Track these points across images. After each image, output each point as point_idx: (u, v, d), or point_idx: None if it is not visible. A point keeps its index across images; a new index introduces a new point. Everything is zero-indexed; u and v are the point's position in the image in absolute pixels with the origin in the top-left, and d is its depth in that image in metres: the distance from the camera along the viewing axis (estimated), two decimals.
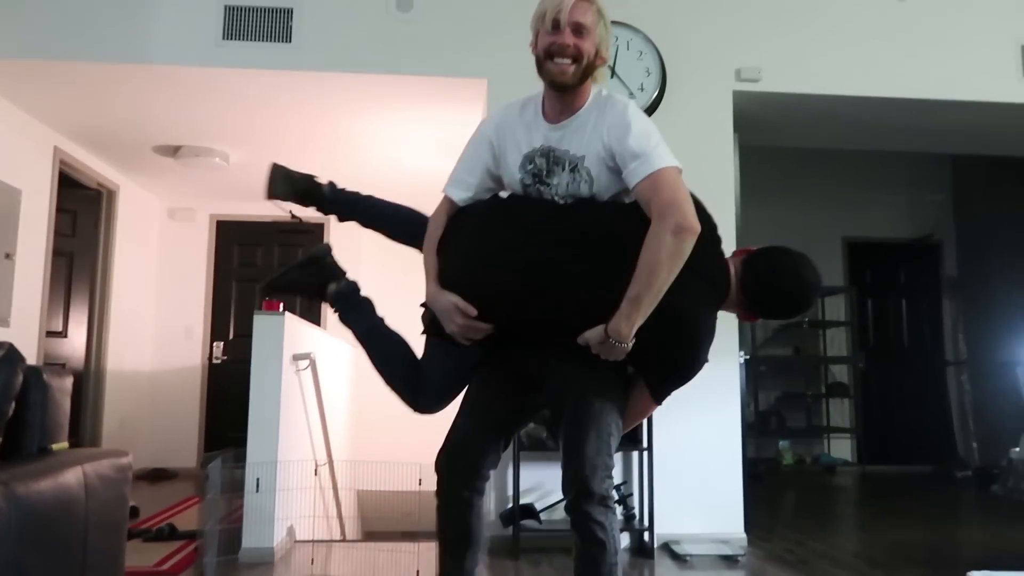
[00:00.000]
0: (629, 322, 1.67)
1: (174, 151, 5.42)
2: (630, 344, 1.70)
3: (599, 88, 1.89)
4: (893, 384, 7.41)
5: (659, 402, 1.92)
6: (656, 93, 3.99)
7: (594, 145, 1.81)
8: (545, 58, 1.81)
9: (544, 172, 1.85)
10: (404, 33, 3.95)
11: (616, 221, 1.80)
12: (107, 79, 4.09)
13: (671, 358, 1.82)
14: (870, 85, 4.19)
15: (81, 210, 5.71)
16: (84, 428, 5.55)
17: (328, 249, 2.29)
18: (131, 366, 6.34)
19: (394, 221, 2.26)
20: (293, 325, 3.84)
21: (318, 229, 7.03)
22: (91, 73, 4.00)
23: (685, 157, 3.82)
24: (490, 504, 3.70)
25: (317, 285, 2.22)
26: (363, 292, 2.19)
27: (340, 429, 5.37)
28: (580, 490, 1.75)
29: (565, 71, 1.79)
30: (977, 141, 5.21)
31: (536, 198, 1.88)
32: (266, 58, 3.90)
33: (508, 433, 1.99)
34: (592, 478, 1.76)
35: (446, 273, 1.86)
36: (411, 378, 2.02)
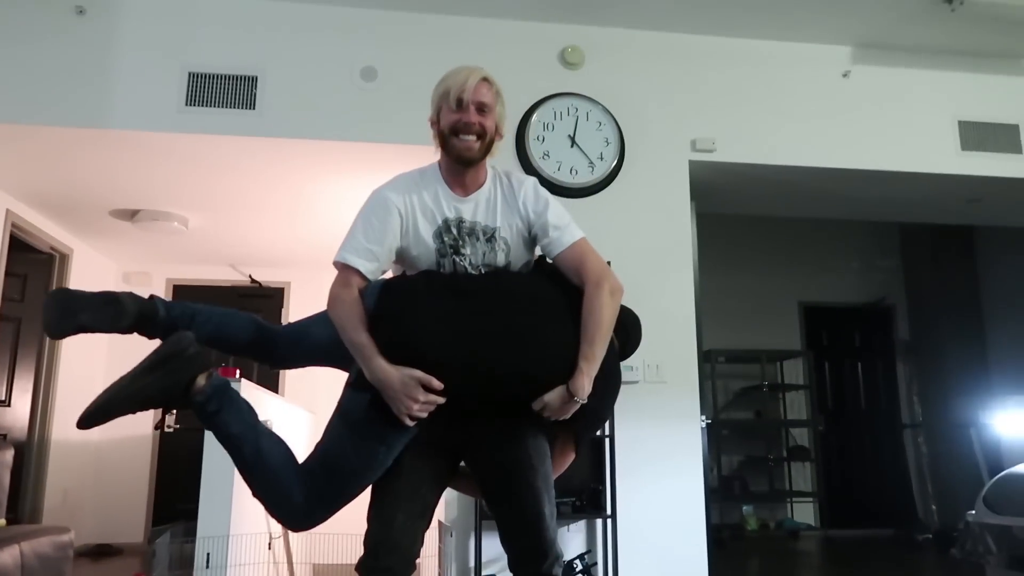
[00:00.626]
0: (589, 379, 1.75)
1: (132, 215, 5.35)
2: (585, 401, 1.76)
3: (491, 163, 2.01)
4: (853, 447, 7.48)
5: (579, 452, 1.97)
6: (615, 162, 4.09)
7: (509, 217, 1.93)
8: (451, 135, 1.90)
9: (460, 242, 1.90)
10: (367, 102, 4.01)
11: (546, 287, 1.88)
12: (65, 142, 4.05)
13: (601, 408, 1.89)
14: (818, 156, 4.36)
15: (32, 274, 5.56)
16: (24, 502, 5.29)
17: (190, 338, 1.90)
18: (77, 436, 6.10)
19: (240, 329, 2.10)
20: (250, 392, 3.75)
21: (278, 293, 6.96)
22: (48, 136, 3.96)
23: (644, 223, 3.93)
24: (451, 575, 3.59)
25: (180, 387, 1.87)
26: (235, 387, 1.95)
27: None
28: (548, 562, 1.78)
29: (471, 147, 1.89)
30: (921, 210, 5.42)
31: (462, 272, 1.89)
32: (229, 124, 3.91)
33: (432, 514, 1.89)
34: (554, 547, 1.79)
35: (394, 350, 1.73)
36: (294, 487, 1.83)
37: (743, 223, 6.94)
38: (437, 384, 1.70)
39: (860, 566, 5.57)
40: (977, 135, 4.52)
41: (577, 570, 3.51)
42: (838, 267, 7.67)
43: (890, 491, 7.30)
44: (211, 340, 2.03)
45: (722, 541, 5.73)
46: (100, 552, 5.82)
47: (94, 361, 6.46)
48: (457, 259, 1.89)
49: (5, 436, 5.13)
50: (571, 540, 3.72)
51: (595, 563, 3.67)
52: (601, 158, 4.08)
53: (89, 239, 5.99)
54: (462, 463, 1.95)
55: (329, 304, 1.83)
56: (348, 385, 1.85)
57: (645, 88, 4.27)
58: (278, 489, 1.84)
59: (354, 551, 3.77)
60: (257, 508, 4.06)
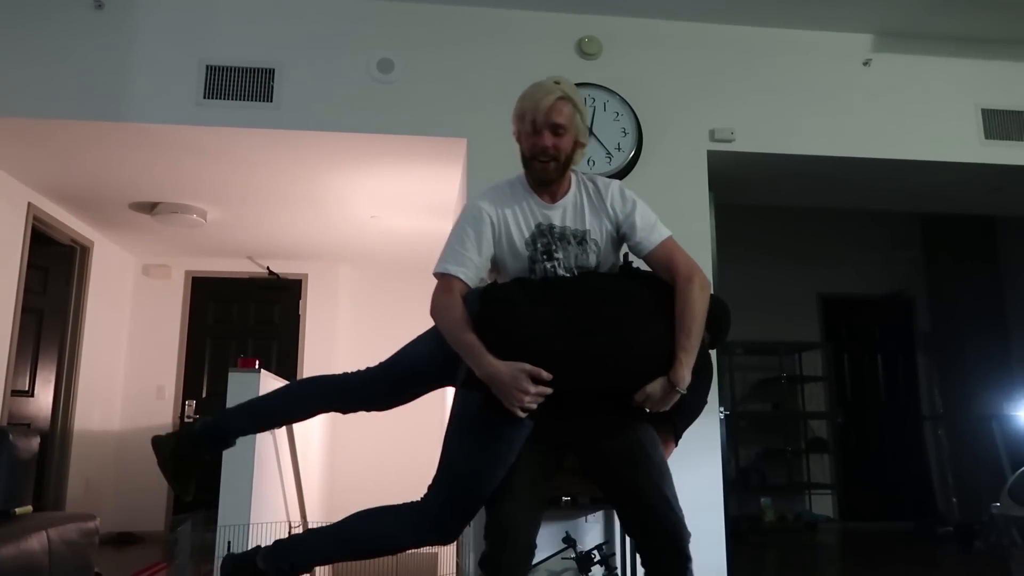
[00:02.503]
0: (688, 369, 1.84)
1: (151, 208, 5.40)
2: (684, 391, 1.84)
3: (573, 170, 2.08)
4: (872, 439, 7.43)
5: (676, 444, 2.06)
6: (633, 153, 4.07)
7: (598, 219, 2.02)
8: (530, 158, 1.98)
9: (552, 247, 1.97)
10: (385, 94, 4.01)
11: (636, 285, 1.97)
12: (85, 136, 4.08)
13: (696, 400, 1.98)
14: (839, 146, 4.31)
15: (53, 267, 5.63)
16: (48, 491, 5.37)
17: (226, 561, 2.10)
18: (99, 426, 6.19)
19: (310, 403, 2.17)
20: (269, 382, 3.78)
21: (295, 285, 7.00)
22: (68, 130, 3.99)
23: (662, 214, 3.89)
24: (469, 564, 3.61)
25: None
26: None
27: (314, 488, 5.24)
28: (685, 541, 1.82)
29: (547, 169, 1.97)
30: (944, 200, 5.35)
31: (552, 275, 1.97)
32: (247, 117, 3.93)
33: (544, 507, 1.98)
34: (685, 527, 1.84)
35: (501, 345, 1.81)
36: (401, 530, 1.97)
37: (761, 214, 6.88)
38: (545, 375, 1.76)
39: (881, 559, 5.53)
40: (1001, 123, 4.45)
41: (595, 561, 3.51)
42: (857, 258, 7.59)
43: (910, 484, 7.24)
44: (285, 423, 2.21)
45: (740, 533, 5.71)
46: (122, 540, 5.90)
47: (116, 352, 6.53)
48: (549, 264, 1.97)
49: (29, 425, 5.20)
50: (589, 531, 3.72)
51: (613, 554, 3.67)
52: (619, 148, 4.06)
53: (109, 232, 6.05)
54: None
55: (433, 311, 1.92)
56: (458, 388, 1.94)
57: (663, 78, 4.24)
58: (393, 540, 1.99)
59: None
60: (277, 497, 4.10)
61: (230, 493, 3.35)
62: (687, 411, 1.97)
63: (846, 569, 5.43)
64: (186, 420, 6.70)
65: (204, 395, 6.78)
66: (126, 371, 6.70)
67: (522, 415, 1.77)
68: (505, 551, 1.83)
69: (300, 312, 6.99)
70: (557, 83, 1.98)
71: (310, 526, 4.43)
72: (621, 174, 4.05)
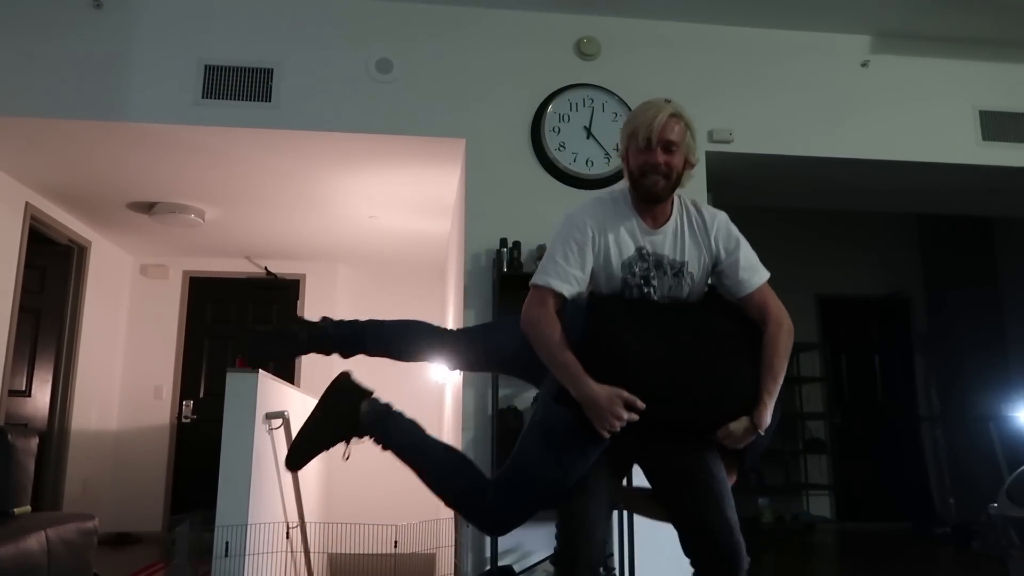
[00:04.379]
0: (769, 412, 1.87)
1: (149, 208, 5.39)
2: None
3: (678, 193, 2.03)
4: (869, 440, 7.43)
5: (739, 481, 2.05)
6: None
7: (697, 251, 1.99)
8: (639, 175, 1.94)
9: (649, 274, 1.96)
10: (383, 94, 4.01)
11: (729, 324, 1.98)
12: (83, 136, 4.08)
13: (766, 440, 1.96)
14: (837, 147, 4.32)
15: (51, 266, 5.62)
16: (45, 490, 5.36)
17: (346, 377, 2.22)
18: (96, 426, 6.17)
19: (414, 338, 2.27)
20: (267, 383, 3.78)
21: (293, 285, 7.00)
22: (66, 129, 3.99)
23: None
24: (467, 566, 3.61)
25: (350, 423, 2.12)
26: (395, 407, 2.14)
27: (312, 490, 5.24)
28: (743, 569, 1.86)
29: (657, 185, 1.92)
30: (941, 201, 5.36)
31: (650, 300, 1.96)
32: (245, 117, 3.93)
33: (612, 508, 2.06)
34: (744, 553, 1.88)
35: (603, 371, 1.82)
36: (481, 490, 1.99)
37: (759, 214, 6.88)
38: (640, 404, 1.79)
39: (879, 560, 5.54)
40: (998, 125, 4.46)
41: None
42: (855, 259, 7.60)
43: (907, 484, 7.25)
44: (386, 351, 2.28)
45: None
46: (119, 540, 5.89)
47: (113, 352, 6.52)
48: (645, 289, 1.96)
49: (26, 425, 5.19)
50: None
51: (611, 554, 3.67)
52: (617, 149, 4.05)
53: (107, 232, 6.04)
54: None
55: (529, 324, 1.91)
56: (549, 401, 1.92)
57: (661, 79, 4.24)
58: (462, 495, 2.01)
59: (370, 541, 3.80)
60: (275, 498, 4.10)
61: (228, 494, 3.35)
62: (757, 449, 1.98)
63: (844, 570, 5.44)
64: (183, 420, 6.69)
65: (202, 395, 6.77)
66: (123, 371, 6.69)
67: (607, 436, 1.82)
68: (584, 547, 1.89)
69: (298, 312, 6.98)
70: (668, 101, 1.96)
71: (308, 527, 4.43)
72: (619, 175, 4.04)
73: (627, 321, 1.89)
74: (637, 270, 1.94)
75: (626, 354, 1.84)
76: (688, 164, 1.98)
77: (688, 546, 1.92)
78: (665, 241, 1.96)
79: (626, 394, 1.78)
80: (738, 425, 1.85)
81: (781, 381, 1.90)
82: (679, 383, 1.84)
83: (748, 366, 1.89)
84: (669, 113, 1.92)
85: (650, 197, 1.94)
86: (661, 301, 1.97)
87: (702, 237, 1.99)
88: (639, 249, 1.95)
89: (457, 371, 2.24)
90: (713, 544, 1.85)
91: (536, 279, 1.93)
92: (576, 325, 1.87)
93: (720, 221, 2.02)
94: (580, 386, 1.81)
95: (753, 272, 2.01)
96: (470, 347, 2.19)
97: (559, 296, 1.90)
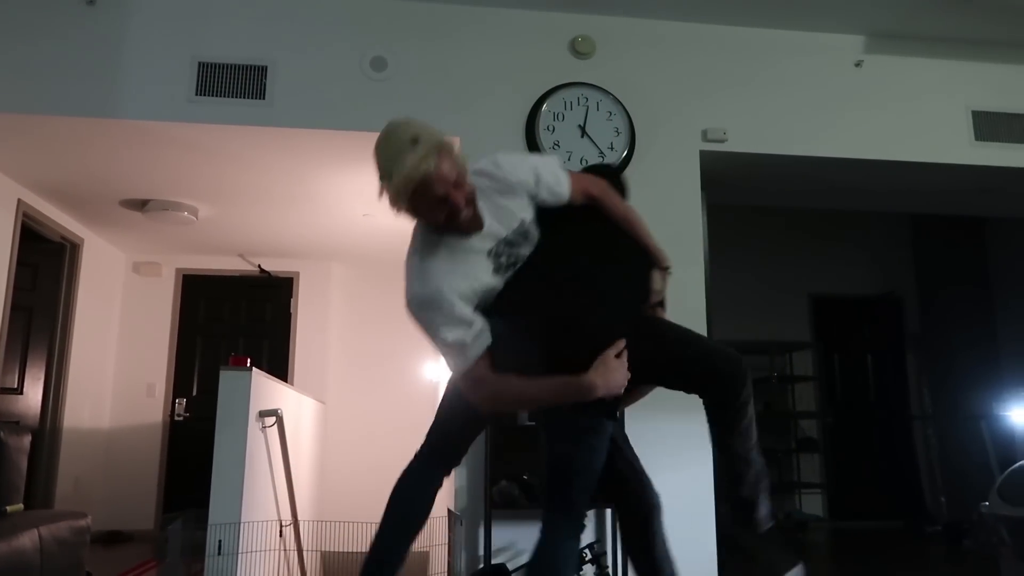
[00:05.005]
0: (661, 251, 2.17)
1: (142, 205, 5.37)
2: None
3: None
4: (861, 439, 7.47)
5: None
6: (625, 152, 4.08)
7: (518, 203, 1.98)
8: (446, 224, 1.84)
9: (513, 256, 1.96)
10: (377, 92, 4.00)
11: (592, 242, 2.09)
12: (75, 132, 4.06)
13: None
14: (830, 146, 4.33)
15: (43, 264, 5.60)
16: (37, 489, 5.34)
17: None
18: (89, 424, 6.15)
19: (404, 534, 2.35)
20: (260, 381, 3.77)
21: (287, 283, 6.98)
22: (59, 126, 3.97)
23: (655, 214, 3.90)
24: (461, 564, 3.61)
25: None
26: None
27: (305, 488, 5.23)
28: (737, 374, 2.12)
29: (469, 215, 1.85)
30: (933, 201, 5.38)
31: (527, 272, 1.98)
32: (239, 114, 3.91)
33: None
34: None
35: (576, 359, 1.84)
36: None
37: (753, 214, 6.91)
38: (621, 344, 1.88)
39: (871, 558, 5.56)
40: (991, 125, 4.48)
41: (586, 559, 3.52)
42: (848, 258, 7.63)
43: (899, 483, 7.28)
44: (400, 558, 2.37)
45: (730, 533, 5.72)
46: (111, 538, 5.87)
47: (105, 350, 6.50)
48: (518, 262, 1.98)
49: (18, 423, 5.17)
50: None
51: (604, 552, 3.68)
52: (611, 148, 4.07)
53: (99, 229, 6.02)
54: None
55: (491, 403, 1.90)
56: (582, 413, 1.98)
57: (656, 78, 4.25)
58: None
59: (362, 539, 3.78)
60: (268, 496, 4.08)
61: (221, 492, 3.34)
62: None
63: (836, 568, 5.46)
64: (176, 418, 6.68)
65: (195, 393, 6.75)
66: (116, 369, 6.66)
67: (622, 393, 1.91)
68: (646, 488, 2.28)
69: (292, 310, 6.97)
70: (415, 140, 1.76)
71: (301, 525, 4.43)
72: None
73: (544, 303, 1.92)
74: (505, 261, 1.94)
75: (573, 327, 1.89)
76: (466, 171, 1.87)
77: (691, 384, 2.07)
78: (495, 223, 1.93)
79: (615, 348, 1.86)
80: (657, 281, 2.07)
81: (643, 222, 2.13)
82: (612, 308, 1.96)
83: (626, 253, 2.07)
84: (428, 156, 1.75)
85: (470, 227, 1.87)
86: (527, 261, 1.99)
87: (508, 190, 1.97)
88: (489, 253, 1.91)
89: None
90: (709, 360, 2.03)
91: (459, 372, 1.85)
92: (515, 347, 1.84)
93: (505, 165, 2.00)
94: (583, 387, 1.81)
95: (560, 182, 2.05)
96: (446, 456, 2.29)
97: (486, 353, 1.83)
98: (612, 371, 1.83)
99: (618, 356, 1.85)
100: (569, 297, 1.94)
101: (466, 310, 1.83)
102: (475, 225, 1.88)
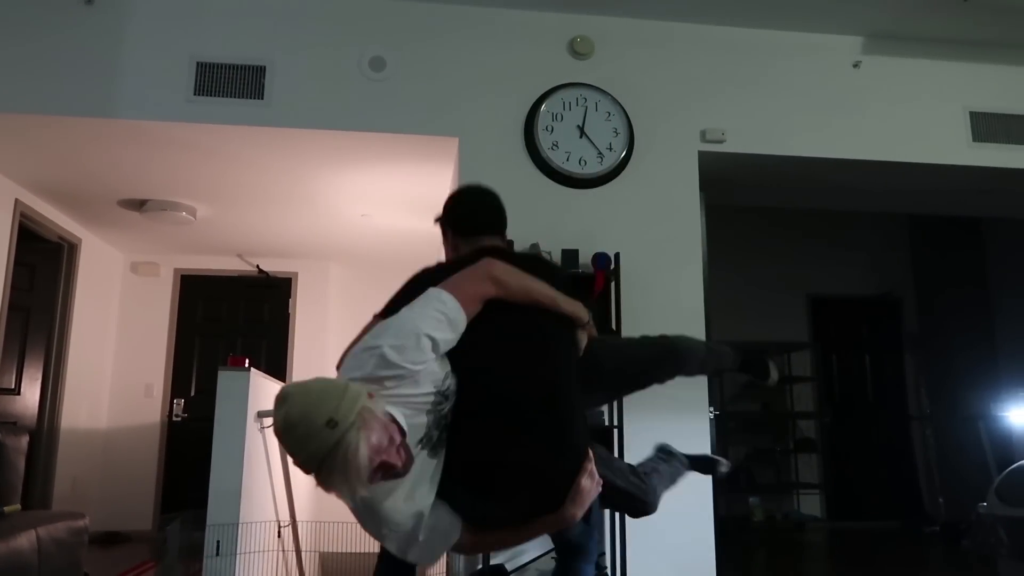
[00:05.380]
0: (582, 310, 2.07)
1: (140, 205, 5.36)
2: None
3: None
4: (859, 439, 7.47)
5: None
6: (624, 153, 4.08)
7: (430, 379, 1.69)
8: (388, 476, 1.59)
9: (441, 424, 1.72)
10: (376, 92, 4.00)
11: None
12: (73, 132, 4.05)
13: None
14: (828, 147, 4.33)
15: (40, 264, 5.58)
16: (34, 489, 5.32)
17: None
18: (86, 424, 6.14)
19: None
20: (259, 381, 3.77)
21: (285, 284, 6.98)
22: (57, 126, 3.96)
23: (653, 214, 3.91)
24: (459, 565, 3.60)
25: None
26: None
27: (303, 489, 5.23)
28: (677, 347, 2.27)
29: (403, 466, 1.59)
30: (932, 201, 5.39)
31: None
32: (237, 114, 3.91)
33: None
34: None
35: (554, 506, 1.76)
36: None
37: (751, 214, 6.92)
38: (590, 464, 1.83)
39: (869, 558, 5.57)
40: (989, 126, 4.49)
41: None
42: (846, 259, 7.64)
43: (897, 484, 7.29)
44: None
45: (729, 533, 5.74)
46: (109, 539, 5.86)
47: (103, 350, 6.49)
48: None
49: (15, 424, 5.16)
50: None
51: (603, 552, 3.68)
52: (610, 148, 4.07)
53: (97, 229, 6.01)
54: None
55: (473, 551, 1.88)
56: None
57: (655, 78, 4.25)
58: None
59: (360, 540, 3.77)
60: (266, 497, 4.07)
61: (219, 493, 3.33)
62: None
63: (834, 568, 5.46)
64: (174, 419, 6.67)
65: (193, 393, 6.74)
66: (114, 369, 6.65)
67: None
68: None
69: (290, 311, 6.96)
70: (332, 423, 1.49)
71: (299, 526, 4.42)
72: (612, 174, 4.06)
73: (499, 456, 1.71)
74: (436, 439, 1.71)
75: (543, 477, 1.73)
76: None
77: (648, 375, 2.22)
78: (420, 430, 1.66)
79: (580, 481, 1.73)
80: (581, 340, 1.97)
81: (543, 286, 1.89)
82: (573, 425, 1.81)
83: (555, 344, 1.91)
84: (355, 441, 1.48)
85: (406, 469, 1.61)
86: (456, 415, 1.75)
87: (417, 380, 1.66)
88: (423, 452, 1.68)
89: None
90: (649, 353, 2.16)
91: (438, 556, 1.73)
92: (481, 511, 1.71)
93: (400, 359, 1.63)
94: (565, 521, 1.73)
95: (453, 322, 1.73)
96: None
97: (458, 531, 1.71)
98: (586, 493, 1.73)
99: (589, 475, 1.74)
100: (521, 433, 1.70)
101: (435, 515, 1.68)
102: (408, 463, 1.61)
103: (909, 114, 4.45)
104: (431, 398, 1.67)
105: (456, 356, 1.74)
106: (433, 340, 1.65)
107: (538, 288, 1.88)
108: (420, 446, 1.65)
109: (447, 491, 1.69)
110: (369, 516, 1.65)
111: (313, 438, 1.47)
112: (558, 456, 1.73)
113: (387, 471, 1.55)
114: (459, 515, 1.69)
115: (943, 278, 7.34)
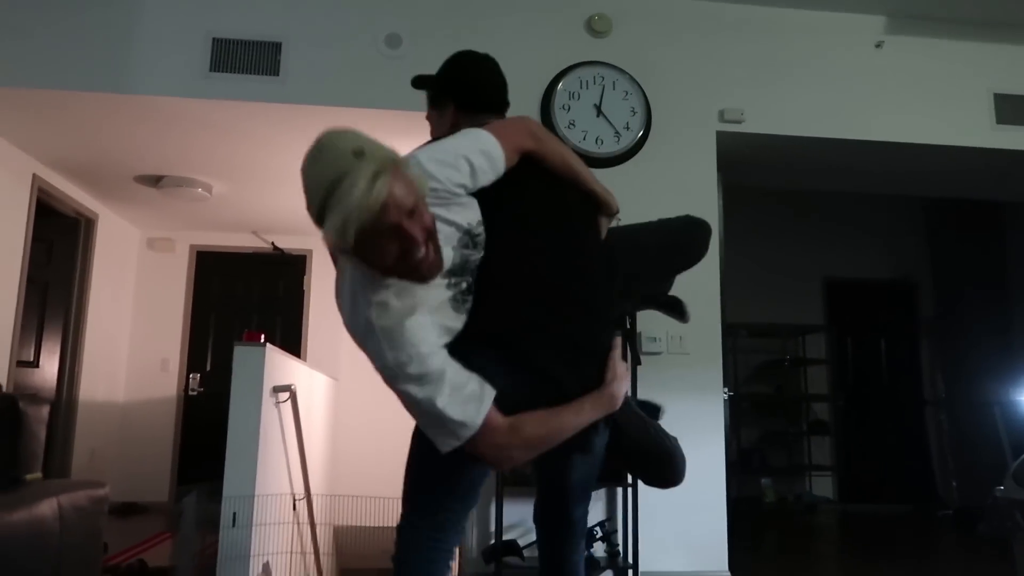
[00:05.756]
0: (608, 194, 1.95)
1: (156, 181, 5.39)
2: None
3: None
4: (873, 422, 7.45)
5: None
6: (641, 132, 4.04)
7: (463, 211, 1.56)
8: (404, 266, 1.41)
9: (467, 280, 1.57)
10: (392, 69, 3.98)
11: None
12: (90, 108, 4.06)
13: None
14: (849, 128, 4.28)
15: (58, 239, 5.63)
16: (53, 460, 5.41)
17: None
18: (104, 397, 6.22)
19: None
20: (274, 356, 3.80)
21: (300, 261, 7.00)
22: (74, 102, 3.97)
23: (670, 194, 3.87)
24: (472, 541, 3.64)
25: None
26: None
27: (318, 463, 5.28)
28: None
29: (427, 258, 1.43)
30: (952, 185, 5.32)
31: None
32: (253, 90, 3.91)
33: None
34: None
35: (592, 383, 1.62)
36: None
37: (768, 196, 6.85)
38: (619, 341, 1.72)
39: (880, 541, 5.57)
40: (1013, 108, 4.41)
41: (597, 537, 3.54)
42: (863, 242, 7.57)
43: (910, 467, 7.27)
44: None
45: (740, 513, 5.75)
46: (126, 510, 5.96)
47: (120, 324, 6.55)
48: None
49: (36, 395, 5.23)
50: (591, 508, 3.74)
51: (615, 531, 3.70)
52: (627, 128, 4.04)
53: (114, 205, 6.04)
54: None
55: (509, 454, 1.52)
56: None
57: (673, 57, 4.21)
58: None
59: (373, 513, 3.81)
60: (282, 470, 4.11)
61: (235, 465, 3.37)
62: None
63: (845, 550, 5.47)
64: (190, 393, 6.74)
65: (208, 368, 6.81)
66: (130, 343, 6.72)
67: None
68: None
69: (304, 287, 7.00)
70: (359, 153, 1.36)
71: (314, 498, 4.47)
72: (629, 154, 4.03)
73: (531, 323, 1.58)
74: (464, 287, 1.55)
75: (577, 344, 1.60)
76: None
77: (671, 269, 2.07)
78: (449, 252, 1.51)
79: (617, 357, 1.63)
80: (604, 230, 1.83)
81: (582, 163, 1.79)
82: (601, 300, 1.69)
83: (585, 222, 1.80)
84: (381, 173, 1.35)
85: (430, 270, 1.45)
86: (483, 272, 1.60)
87: (451, 202, 1.53)
88: (448, 287, 1.52)
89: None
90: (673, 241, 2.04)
91: (464, 436, 1.46)
92: (512, 383, 1.51)
93: (439, 173, 1.52)
94: (612, 401, 1.59)
95: (493, 159, 1.59)
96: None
97: (491, 404, 1.47)
98: (624, 373, 1.62)
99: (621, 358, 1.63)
100: (557, 307, 1.58)
101: (461, 373, 1.47)
102: (436, 267, 1.46)
103: (932, 95, 4.38)
104: (459, 232, 1.53)
105: (488, 216, 1.59)
106: (472, 164, 1.55)
107: (574, 159, 1.77)
108: (446, 283, 1.50)
109: (473, 366, 1.49)
110: (390, 342, 1.43)
111: (335, 162, 1.34)
112: (596, 332, 1.63)
113: (405, 253, 1.38)
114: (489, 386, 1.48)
115: (961, 262, 7.26)
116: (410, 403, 1.49)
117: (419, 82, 2.08)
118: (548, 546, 1.97)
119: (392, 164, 1.38)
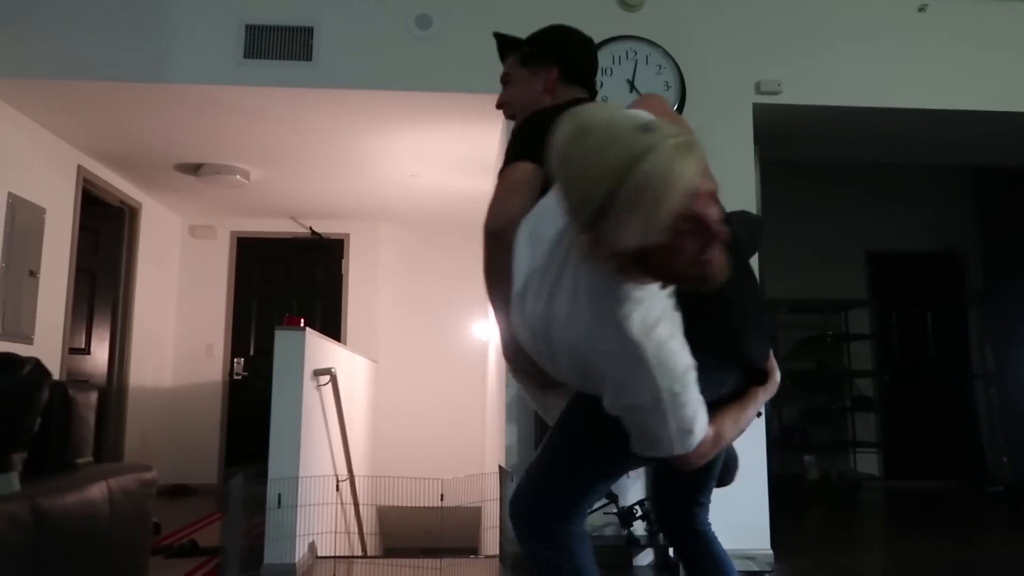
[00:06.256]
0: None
1: (195, 169, 5.48)
2: None
3: None
4: (919, 397, 7.29)
5: None
6: (675, 107, 3.98)
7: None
8: (686, 273, 1.17)
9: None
10: (423, 50, 3.97)
11: None
12: (130, 98, 4.14)
13: None
14: (892, 96, 4.16)
15: (103, 228, 5.77)
16: (106, 444, 5.59)
17: None
18: (152, 383, 6.39)
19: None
20: (314, 340, 3.85)
21: (338, 245, 7.08)
22: (114, 92, 4.05)
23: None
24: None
25: None
26: None
27: (360, 444, 5.36)
28: None
29: (719, 263, 1.17)
30: (1000, 151, 5.14)
31: None
32: (286, 76, 3.94)
33: None
34: None
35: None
36: None
37: (808, 169, 6.71)
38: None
39: (927, 515, 5.48)
40: None
41: (636, 516, 3.54)
42: (906, 214, 7.38)
43: (958, 442, 7.12)
44: None
45: (782, 490, 5.70)
46: (176, 491, 6.13)
47: (165, 311, 6.71)
48: None
49: (87, 382, 5.40)
50: (631, 487, 3.75)
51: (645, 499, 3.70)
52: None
53: (156, 193, 6.16)
54: None
55: (725, 443, 1.51)
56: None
57: (707, 29, 4.12)
58: None
59: (416, 494, 3.86)
60: (324, 452, 4.18)
61: (279, 448, 3.45)
62: None
63: (890, 526, 5.39)
64: (235, 377, 6.88)
65: (252, 353, 6.94)
66: (176, 329, 6.88)
67: None
68: None
69: (343, 271, 7.08)
70: (647, 129, 1.13)
71: (356, 479, 4.55)
72: None
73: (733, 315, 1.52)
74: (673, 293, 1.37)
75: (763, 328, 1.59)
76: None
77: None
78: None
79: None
80: None
81: None
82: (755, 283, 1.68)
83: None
84: (688, 149, 1.13)
85: (720, 276, 1.17)
86: None
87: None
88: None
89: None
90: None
91: (691, 444, 1.34)
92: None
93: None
94: (770, 394, 1.60)
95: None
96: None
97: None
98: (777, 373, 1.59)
99: None
100: (754, 304, 1.58)
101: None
102: (724, 270, 1.17)
103: (977, 60, 4.23)
104: None
105: None
106: None
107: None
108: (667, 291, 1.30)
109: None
110: (660, 365, 1.22)
111: (614, 145, 1.06)
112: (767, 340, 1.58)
113: (705, 259, 1.11)
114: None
115: (1010, 232, 7.03)
116: (656, 419, 1.29)
117: (508, 39, 1.97)
118: (684, 541, 1.92)
119: (685, 140, 1.11)
